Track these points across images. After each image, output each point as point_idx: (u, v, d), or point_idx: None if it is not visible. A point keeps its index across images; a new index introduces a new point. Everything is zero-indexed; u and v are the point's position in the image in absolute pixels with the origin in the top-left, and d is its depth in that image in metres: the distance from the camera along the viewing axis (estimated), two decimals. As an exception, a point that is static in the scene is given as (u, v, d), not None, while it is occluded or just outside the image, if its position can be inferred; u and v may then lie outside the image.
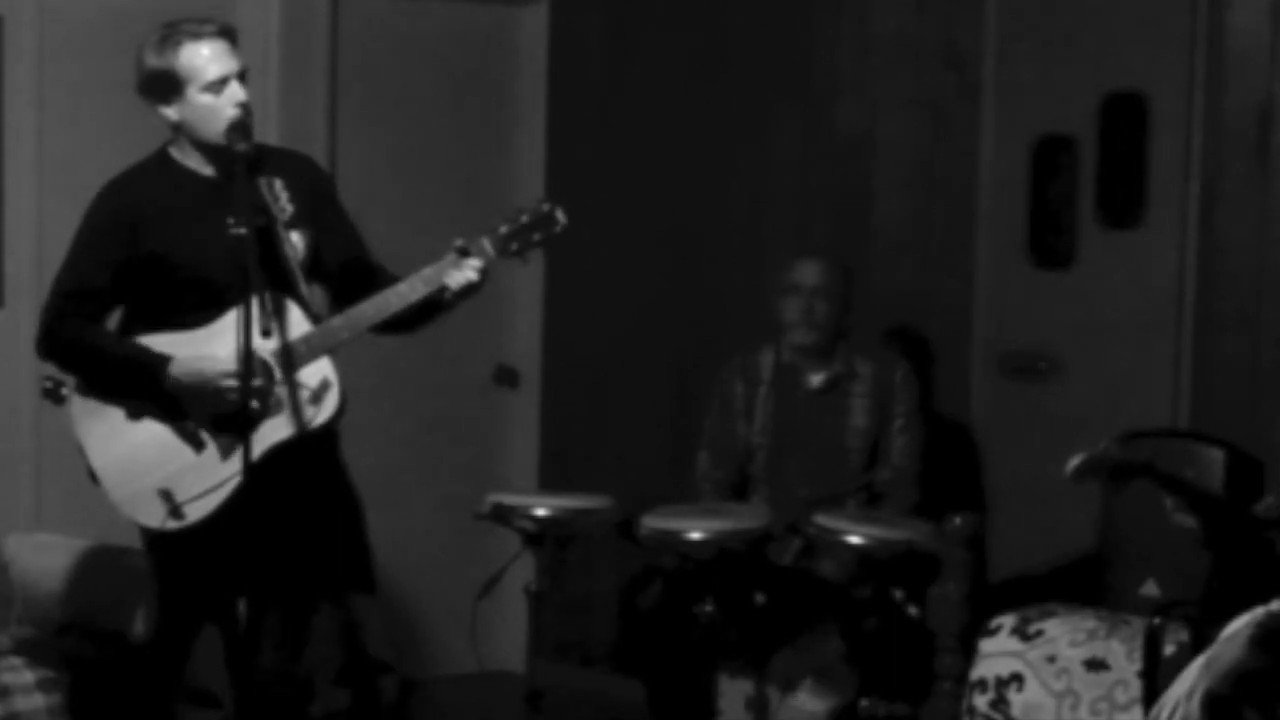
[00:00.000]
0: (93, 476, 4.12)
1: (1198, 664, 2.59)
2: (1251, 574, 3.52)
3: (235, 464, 3.95)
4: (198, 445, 4.05)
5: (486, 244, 4.09)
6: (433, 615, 6.06)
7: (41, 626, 4.96)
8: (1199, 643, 3.03)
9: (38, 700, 4.58)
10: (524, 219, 4.12)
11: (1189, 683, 2.56)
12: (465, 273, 4.05)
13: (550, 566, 4.88)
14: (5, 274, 5.43)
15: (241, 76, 4.04)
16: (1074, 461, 3.62)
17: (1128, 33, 5.03)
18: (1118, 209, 5.10)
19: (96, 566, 4.97)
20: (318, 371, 4.06)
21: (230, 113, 4.00)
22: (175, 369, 4.01)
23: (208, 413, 4.03)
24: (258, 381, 3.94)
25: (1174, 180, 4.94)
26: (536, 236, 4.12)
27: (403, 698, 5.76)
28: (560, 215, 4.13)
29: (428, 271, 4.06)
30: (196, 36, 4.01)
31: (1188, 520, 3.65)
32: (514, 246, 4.11)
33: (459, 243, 4.07)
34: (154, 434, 4.07)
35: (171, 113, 4.05)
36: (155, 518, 4.05)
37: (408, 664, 5.93)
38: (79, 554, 5.01)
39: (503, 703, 5.57)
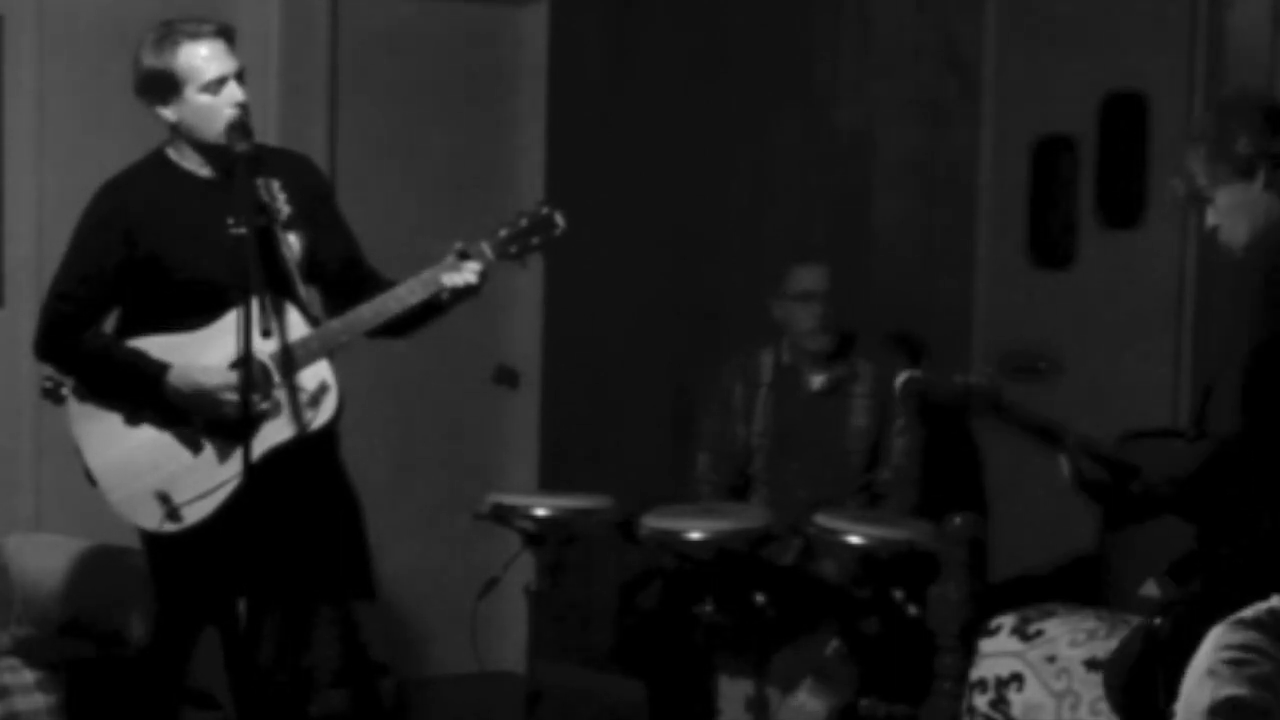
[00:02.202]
0: (90, 478, 4.12)
1: (1206, 648, 2.59)
2: (1247, 568, 3.51)
3: (232, 467, 3.96)
4: (195, 448, 4.05)
5: (485, 247, 4.08)
6: (433, 615, 6.06)
7: (41, 626, 4.96)
8: (1195, 641, 3.03)
9: (38, 700, 4.58)
10: (523, 222, 4.11)
11: (1206, 661, 2.56)
12: (464, 275, 4.04)
13: (550, 566, 4.88)
14: (5, 274, 5.43)
15: (239, 76, 4.03)
16: (902, 376, 3.50)
17: (1128, 33, 5.02)
18: (1118, 209, 5.09)
19: (96, 567, 4.97)
20: (316, 374, 4.05)
21: (228, 112, 3.99)
22: (173, 378, 4.00)
23: (205, 418, 4.03)
24: (257, 398, 3.95)
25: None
26: (535, 240, 4.12)
27: (401, 698, 5.77)
28: (559, 219, 4.12)
29: (426, 274, 4.05)
30: (194, 36, 4.00)
31: (1064, 467, 3.57)
32: (513, 250, 4.11)
33: (458, 246, 4.07)
34: (151, 436, 4.06)
35: (169, 113, 4.04)
36: (152, 520, 4.04)
37: (408, 664, 5.94)
38: (79, 554, 5.01)
39: (503, 703, 5.57)
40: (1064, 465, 3.53)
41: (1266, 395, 3.41)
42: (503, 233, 4.11)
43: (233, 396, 3.92)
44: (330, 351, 4.08)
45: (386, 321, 4.08)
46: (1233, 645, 2.60)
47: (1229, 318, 4.41)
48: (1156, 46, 4.96)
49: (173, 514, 4.03)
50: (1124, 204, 5.07)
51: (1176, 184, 3.64)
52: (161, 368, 4.01)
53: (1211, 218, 3.57)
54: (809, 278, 5.16)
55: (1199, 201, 3.57)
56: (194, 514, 4.02)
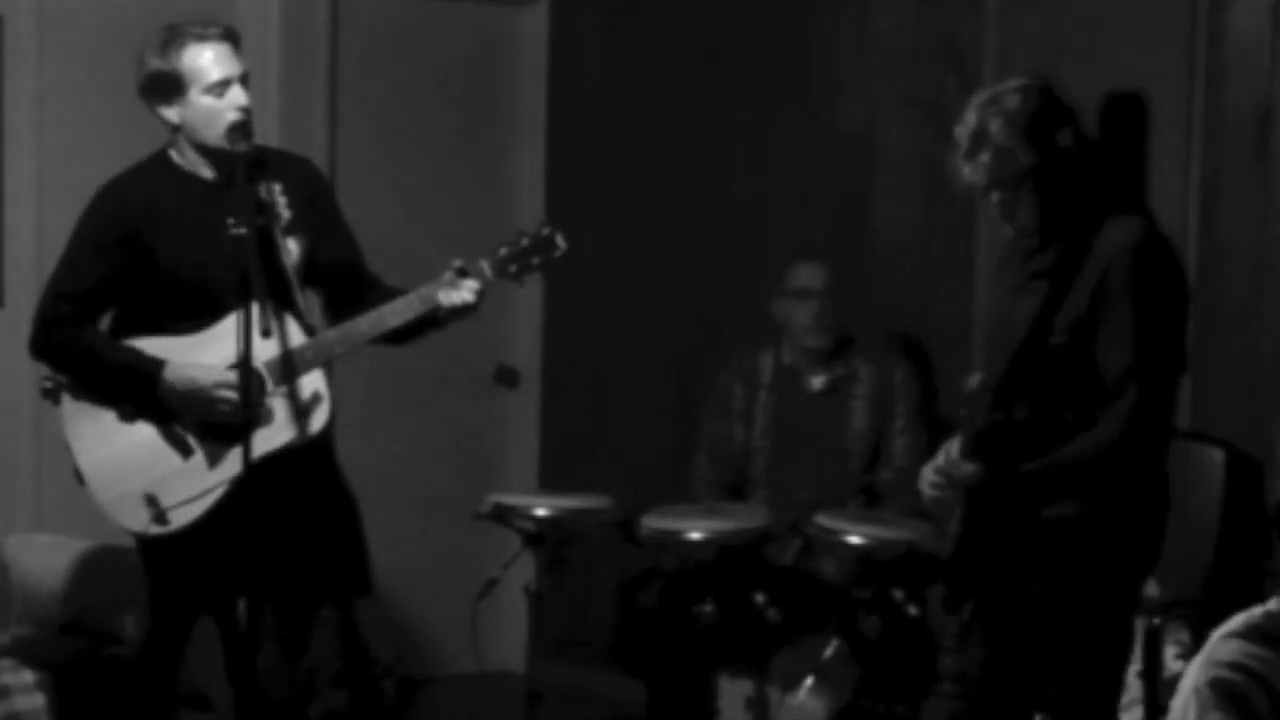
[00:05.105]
0: (79, 477, 4.11)
1: (1197, 661, 2.59)
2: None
3: (222, 472, 3.97)
4: (185, 451, 4.04)
5: (485, 266, 4.09)
6: (433, 615, 6.06)
7: (41, 626, 4.96)
8: (1198, 643, 3.03)
9: (38, 700, 4.58)
10: (524, 242, 4.12)
11: (1192, 679, 2.55)
12: (461, 294, 4.04)
13: (550, 566, 4.88)
14: (5, 274, 5.43)
15: (244, 80, 4.04)
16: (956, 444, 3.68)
17: (1128, 33, 5.02)
18: (1117, 209, 5.08)
19: (96, 567, 4.97)
20: (309, 384, 4.04)
21: (231, 116, 4.00)
22: (169, 374, 4.00)
23: (198, 419, 4.03)
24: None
25: (1174, 180, 4.93)
26: (535, 260, 4.13)
27: (402, 698, 5.77)
28: (560, 240, 4.13)
29: (424, 290, 4.05)
30: (200, 39, 4.01)
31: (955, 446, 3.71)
32: (512, 269, 4.12)
33: (457, 263, 4.07)
34: (142, 438, 4.06)
35: (172, 114, 4.04)
36: (139, 522, 4.04)
37: (408, 664, 5.94)
38: (78, 554, 5.02)
39: (503, 703, 5.57)
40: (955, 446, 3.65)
41: (1153, 400, 3.58)
42: (503, 251, 4.11)
43: (228, 395, 3.93)
44: (326, 362, 4.08)
45: (382, 334, 4.08)
46: (1222, 663, 2.58)
47: (1234, 325, 4.45)
48: (1156, 46, 4.96)
49: (160, 517, 4.02)
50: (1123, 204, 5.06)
51: (990, 157, 3.59)
52: (158, 364, 4.01)
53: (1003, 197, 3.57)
54: (807, 275, 5.18)
55: (1004, 184, 3.56)
56: (181, 518, 4.01)
